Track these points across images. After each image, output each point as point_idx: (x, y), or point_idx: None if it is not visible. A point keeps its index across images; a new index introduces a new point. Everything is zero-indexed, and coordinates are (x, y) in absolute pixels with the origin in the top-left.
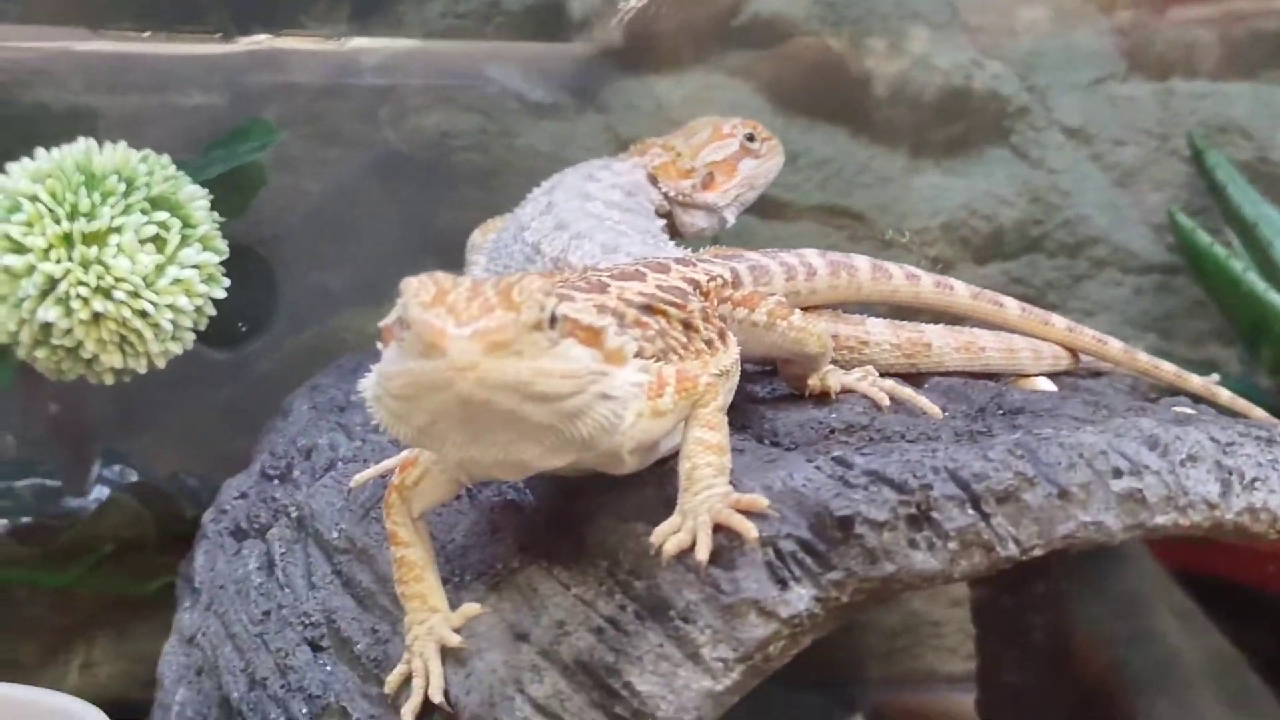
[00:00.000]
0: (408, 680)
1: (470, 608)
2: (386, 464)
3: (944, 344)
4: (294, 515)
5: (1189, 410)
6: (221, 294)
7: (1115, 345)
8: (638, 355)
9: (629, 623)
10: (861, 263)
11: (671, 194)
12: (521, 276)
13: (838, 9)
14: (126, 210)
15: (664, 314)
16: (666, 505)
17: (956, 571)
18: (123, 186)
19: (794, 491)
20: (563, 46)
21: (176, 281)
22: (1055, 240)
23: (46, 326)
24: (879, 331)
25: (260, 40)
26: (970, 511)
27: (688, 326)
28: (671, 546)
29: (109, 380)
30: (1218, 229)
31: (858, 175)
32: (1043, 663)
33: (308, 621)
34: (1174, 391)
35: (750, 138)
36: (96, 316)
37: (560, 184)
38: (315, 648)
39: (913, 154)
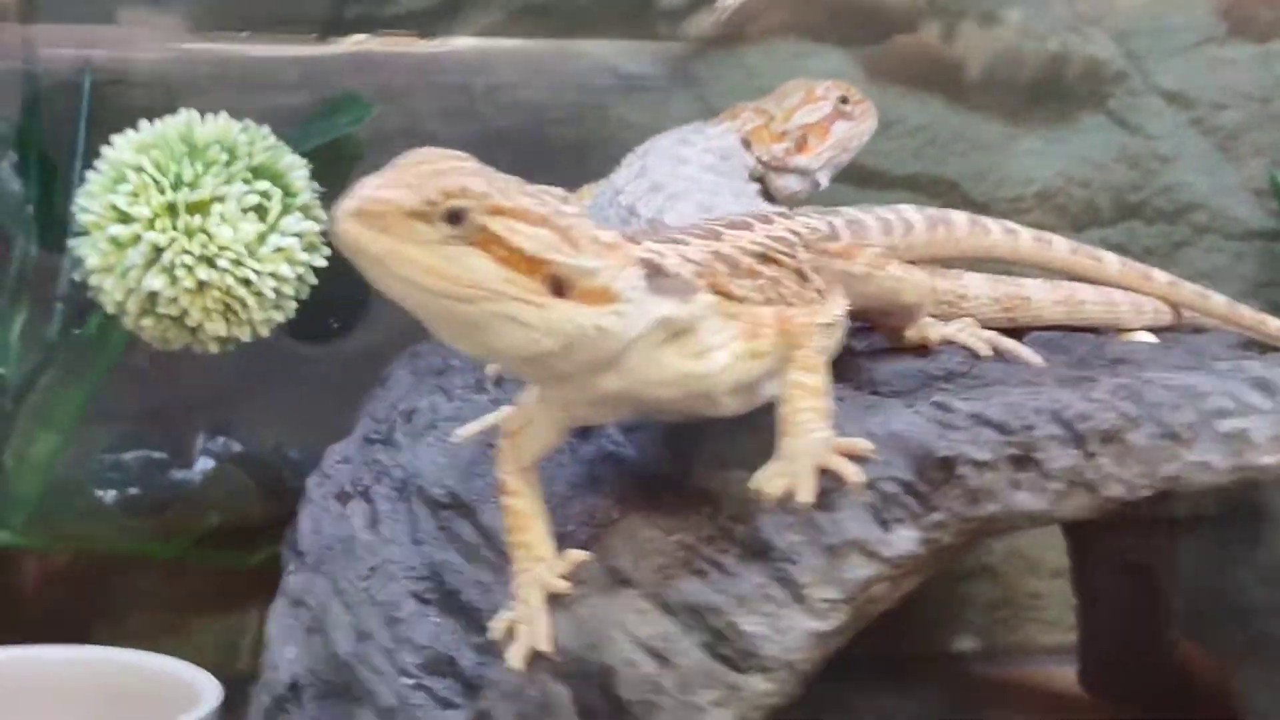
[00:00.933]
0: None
1: (576, 554)
2: (489, 419)
3: (1043, 297)
4: (397, 475)
5: None
6: (323, 262)
7: (1218, 299)
8: (731, 297)
9: (732, 565)
10: (959, 217)
11: (765, 158)
12: (459, 173)
13: None
14: (229, 180)
15: (778, 262)
16: (768, 452)
17: (1060, 512)
18: (225, 156)
19: (895, 435)
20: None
21: (279, 250)
22: (1154, 207)
23: (152, 295)
24: (976, 285)
25: (358, 40)
26: (1074, 451)
27: (800, 276)
28: (774, 490)
29: (214, 348)
30: None
31: (952, 143)
32: (1156, 631)
33: (414, 575)
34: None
35: (843, 100)
36: (201, 285)
37: (654, 148)
38: (421, 600)
39: (1008, 121)
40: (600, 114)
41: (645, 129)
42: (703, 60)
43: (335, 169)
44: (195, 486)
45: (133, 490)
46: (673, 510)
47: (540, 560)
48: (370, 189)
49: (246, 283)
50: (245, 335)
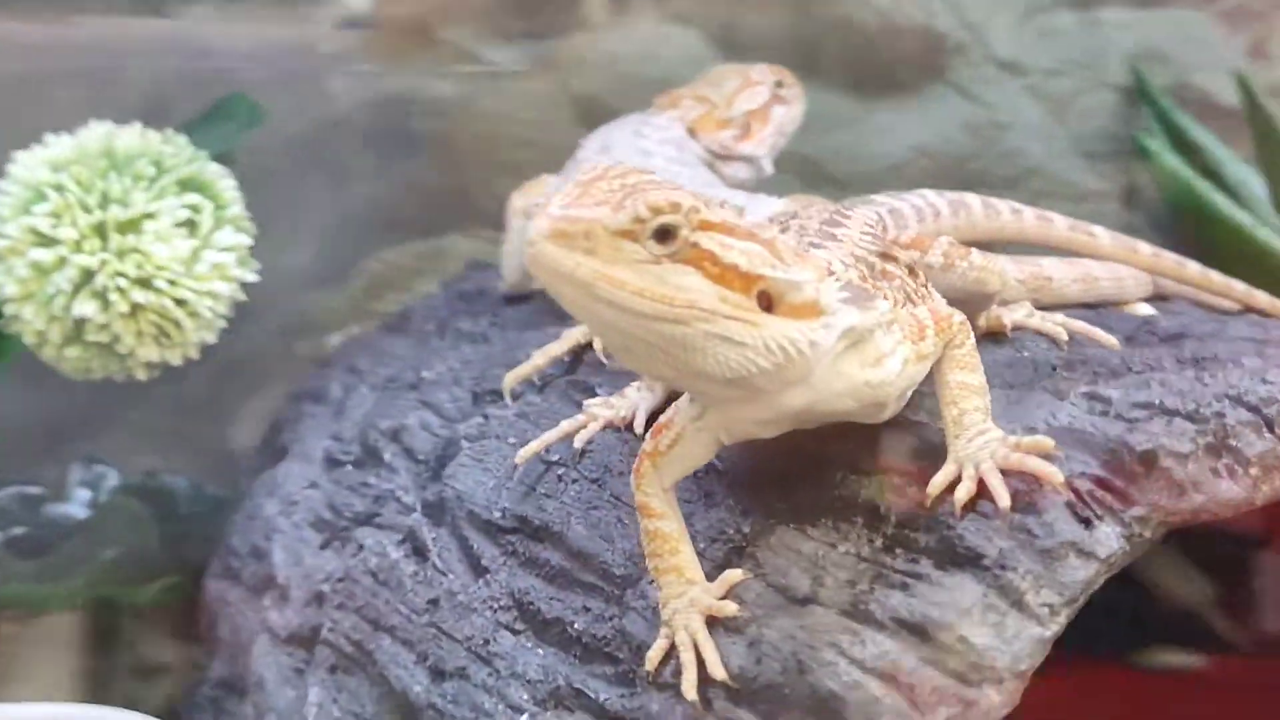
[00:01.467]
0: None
1: (733, 574)
2: (550, 436)
3: (1063, 276)
4: (424, 500)
5: None
6: (254, 277)
7: (1193, 267)
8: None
9: (937, 575)
10: (973, 200)
11: (714, 147)
12: (662, 188)
13: None
14: (159, 195)
15: (897, 260)
16: (910, 454)
17: (1259, 497)
18: (152, 170)
19: (1068, 430)
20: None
21: (215, 266)
22: (995, 174)
23: (80, 322)
24: (1006, 267)
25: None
26: (1267, 435)
27: (912, 272)
28: (963, 495)
29: (142, 375)
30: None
31: (809, 121)
32: None
33: (496, 606)
34: (1245, 309)
35: (779, 84)
36: (135, 308)
37: (611, 142)
38: (512, 631)
39: (860, 97)
40: (464, 105)
41: (509, 118)
42: (563, 45)
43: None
44: (78, 521)
45: (16, 531)
46: (818, 519)
47: (692, 584)
48: (565, 208)
49: (181, 303)
50: (176, 359)
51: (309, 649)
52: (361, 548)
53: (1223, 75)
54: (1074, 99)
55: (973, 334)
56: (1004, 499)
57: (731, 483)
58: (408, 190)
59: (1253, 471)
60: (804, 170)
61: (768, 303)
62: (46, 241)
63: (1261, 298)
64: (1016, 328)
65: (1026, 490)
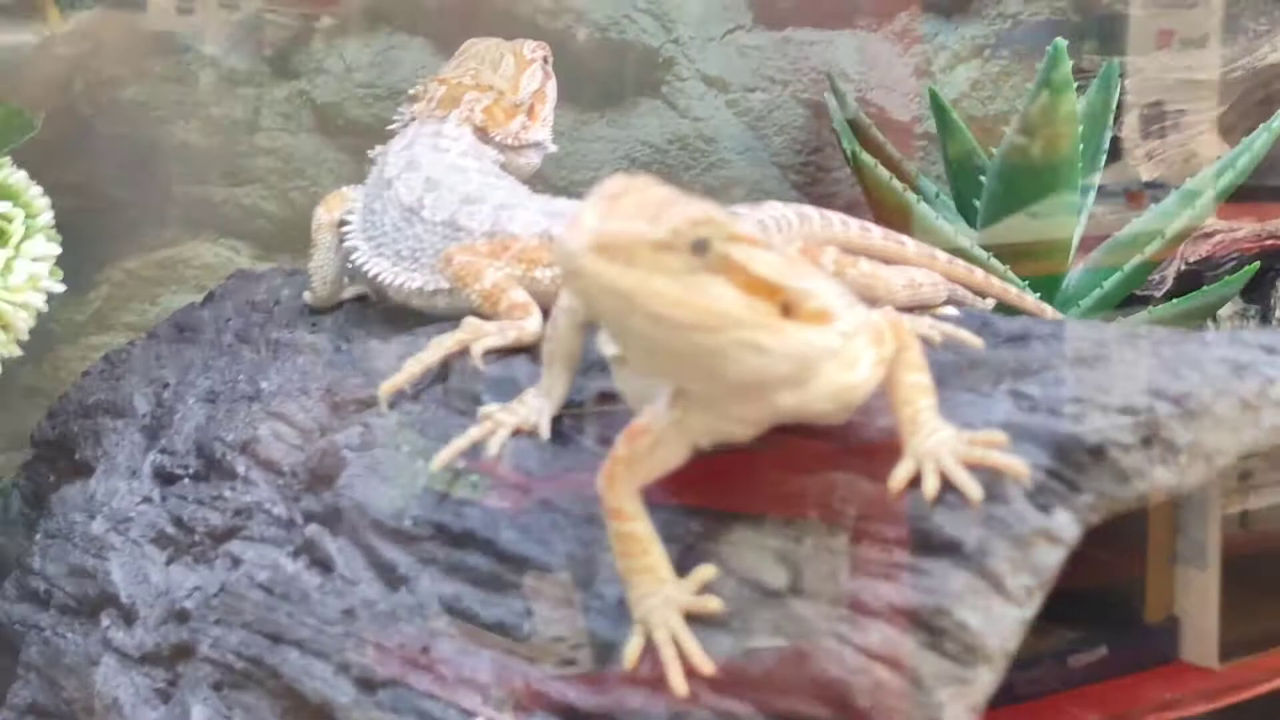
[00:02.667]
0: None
1: (705, 570)
2: (459, 444)
3: (895, 281)
4: (305, 512)
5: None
6: (61, 287)
7: (978, 273)
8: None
9: (919, 564)
10: (811, 211)
11: (507, 140)
12: (694, 202)
13: None
14: None
15: (820, 265)
16: (847, 452)
17: (1185, 484)
18: None
19: (1007, 425)
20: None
21: (29, 277)
22: (704, 184)
23: None
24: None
25: None
26: (1190, 426)
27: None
28: (931, 490)
29: None
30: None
31: None
32: None
33: (425, 613)
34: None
35: (546, 59)
36: None
37: (416, 159)
38: (448, 636)
39: (578, 109)
40: (204, 111)
41: (250, 126)
42: (302, 53)
43: None
44: None
45: None
46: (770, 517)
47: (664, 582)
48: (602, 222)
49: None
50: None
51: (169, 668)
52: (239, 561)
53: (897, 94)
54: (769, 113)
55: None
56: (975, 492)
57: (666, 486)
58: (147, 196)
59: (1181, 460)
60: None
61: (786, 310)
62: None
63: (1029, 301)
64: None
65: (988, 483)
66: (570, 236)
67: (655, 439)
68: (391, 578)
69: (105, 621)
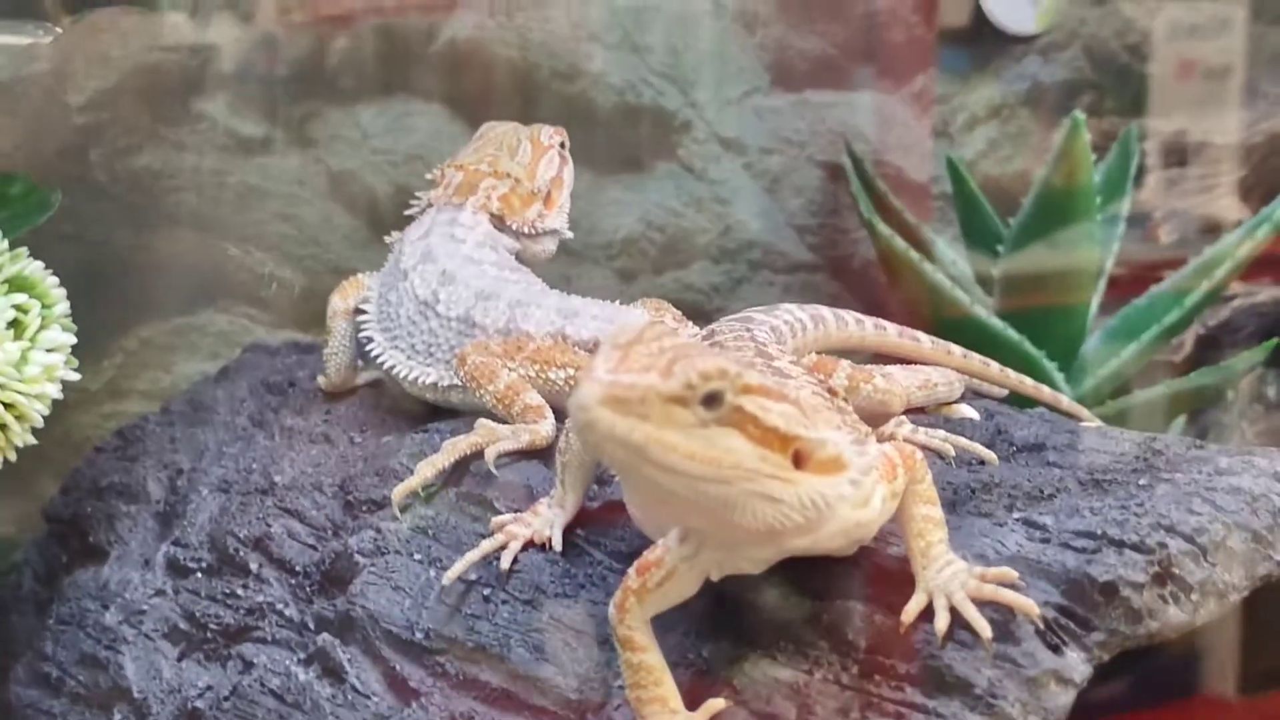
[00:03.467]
0: None
1: (715, 703)
2: (471, 557)
3: (909, 383)
4: (318, 616)
5: (1095, 423)
6: (76, 376)
7: (994, 367)
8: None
9: (932, 705)
10: (827, 313)
11: (523, 229)
12: (705, 354)
13: (523, 32)
14: None
15: (836, 392)
16: (861, 579)
17: (1198, 620)
18: None
19: (1019, 559)
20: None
21: (45, 368)
22: (719, 246)
23: None
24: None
25: None
26: (1204, 563)
27: (840, 409)
28: (942, 625)
29: None
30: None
31: None
32: None
33: None
34: (1036, 401)
35: (563, 144)
36: None
37: (432, 250)
38: None
39: (596, 172)
40: (219, 179)
41: (265, 193)
42: (317, 120)
43: None
44: None
45: None
46: (782, 646)
47: (675, 713)
48: (614, 374)
49: (9, 406)
50: None
51: None
52: (251, 665)
53: (914, 154)
54: (786, 175)
55: (927, 468)
56: (985, 630)
57: (678, 607)
58: (162, 263)
59: (1194, 597)
60: None
61: (798, 460)
62: None
63: (1065, 402)
64: (906, 442)
65: (1001, 620)
66: (584, 389)
67: (668, 573)
68: (404, 691)
69: (117, 716)
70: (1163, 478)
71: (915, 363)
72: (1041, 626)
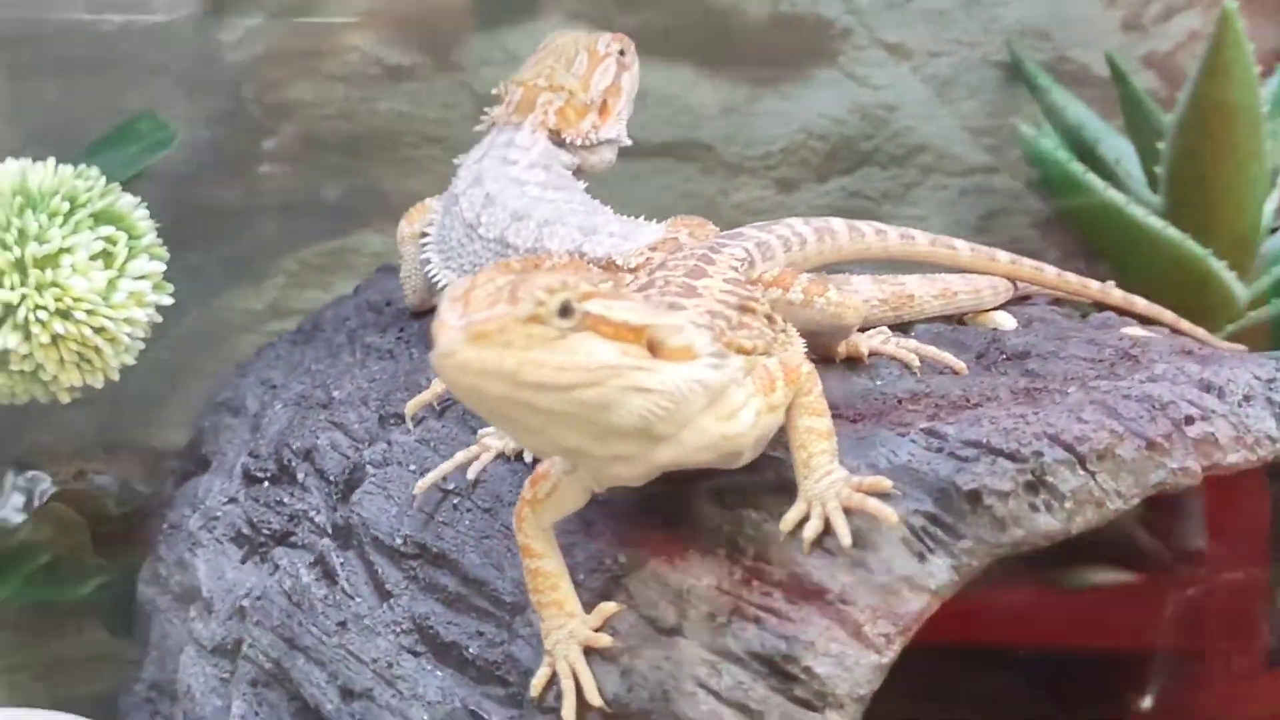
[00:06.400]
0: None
1: (607, 606)
2: (444, 467)
3: (924, 293)
4: (333, 523)
5: (1140, 331)
6: (169, 300)
7: (1050, 271)
8: (745, 352)
9: (786, 609)
10: (839, 225)
11: (578, 140)
12: (541, 273)
13: None
14: (75, 229)
15: (753, 310)
16: (769, 489)
17: (1073, 528)
18: (66, 206)
19: (906, 468)
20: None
21: (131, 294)
22: (885, 153)
23: (4, 353)
24: (866, 288)
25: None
26: (1080, 472)
27: (769, 320)
28: (810, 533)
29: (65, 399)
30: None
31: (701, 109)
32: None
33: (398, 629)
34: (1100, 306)
35: (622, 52)
36: (56, 338)
37: (483, 174)
38: (413, 653)
39: (752, 83)
40: (369, 107)
41: (413, 118)
42: (463, 46)
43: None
44: (21, 525)
45: None
46: (685, 552)
47: (571, 616)
48: (467, 315)
49: (101, 330)
50: (99, 383)
51: (232, 661)
52: (277, 567)
53: (1099, 49)
54: (957, 77)
55: (819, 381)
56: (845, 537)
57: (611, 514)
58: (317, 189)
59: (1067, 505)
60: (699, 156)
61: (654, 350)
62: None
63: (1116, 295)
64: (873, 353)
65: (867, 528)
66: (442, 339)
67: (553, 485)
68: (382, 592)
69: (192, 613)
70: (1090, 386)
71: (955, 270)
72: (904, 532)
